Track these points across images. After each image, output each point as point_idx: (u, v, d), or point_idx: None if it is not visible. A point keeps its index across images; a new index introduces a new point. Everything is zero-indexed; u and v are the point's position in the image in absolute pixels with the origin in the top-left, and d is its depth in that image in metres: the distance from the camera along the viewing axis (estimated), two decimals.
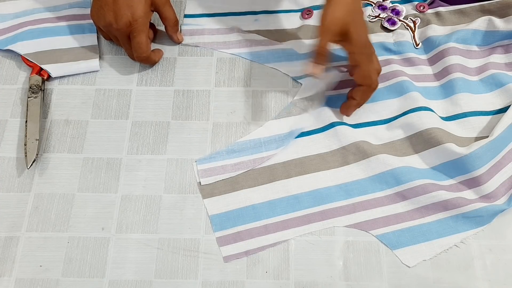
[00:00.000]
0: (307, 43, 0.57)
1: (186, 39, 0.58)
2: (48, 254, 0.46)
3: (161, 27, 0.58)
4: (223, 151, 0.51)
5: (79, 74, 0.56)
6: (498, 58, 0.56)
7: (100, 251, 0.46)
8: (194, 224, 0.48)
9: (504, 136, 0.49)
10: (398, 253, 0.46)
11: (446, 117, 0.53)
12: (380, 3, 0.60)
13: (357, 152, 0.50)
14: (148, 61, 0.55)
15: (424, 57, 0.57)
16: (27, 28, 0.57)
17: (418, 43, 0.57)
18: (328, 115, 0.53)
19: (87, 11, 0.56)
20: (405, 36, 0.57)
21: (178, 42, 0.58)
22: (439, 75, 0.55)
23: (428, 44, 0.57)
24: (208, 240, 0.47)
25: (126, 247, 0.47)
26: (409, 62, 0.56)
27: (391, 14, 0.59)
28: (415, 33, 0.58)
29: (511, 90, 0.53)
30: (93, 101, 0.54)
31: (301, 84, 0.55)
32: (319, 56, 0.47)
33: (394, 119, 0.52)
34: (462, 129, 0.52)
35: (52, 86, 0.55)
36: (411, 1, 0.60)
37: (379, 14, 0.60)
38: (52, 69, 0.55)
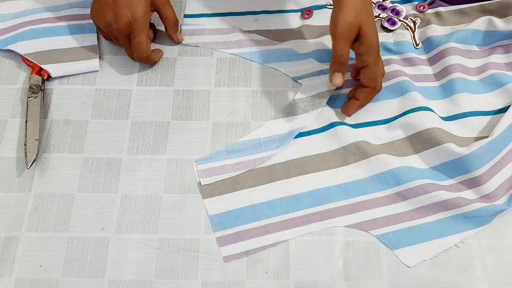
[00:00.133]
0: (307, 43, 0.57)
1: (186, 39, 0.58)
2: (48, 254, 0.46)
3: (161, 27, 0.58)
4: (223, 151, 0.51)
5: (79, 74, 0.56)
6: (498, 58, 0.56)
7: (100, 251, 0.46)
8: (194, 224, 0.48)
9: (504, 136, 0.49)
10: (398, 253, 0.46)
11: (446, 117, 0.53)
12: (380, 3, 0.60)
13: (357, 152, 0.50)
14: (148, 61, 0.55)
15: (424, 57, 0.57)
16: (27, 28, 0.57)
17: (418, 43, 0.57)
18: (328, 115, 0.53)
19: (87, 11, 0.56)
20: (405, 36, 0.57)
21: (178, 42, 0.58)
22: (439, 75, 0.55)
23: (428, 44, 0.57)
24: (208, 240, 0.47)
25: (126, 247, 0.47)
26: (409, 62, 0.56)
27: (391, 14, 0.59)
28: (415, 33, 0.58)
29: (511, 90, 0.53)
30: (93, 101, 0.54)
31: (301, 84, 0.55)
32: (339, 65, 0.47)
33: (394, 119, 0.52)
34: (462, 129, 0.52)
35: (52, 86, 0.55)
36: (411, 1, 0.60)
37: (379, 14, 0.60)
38: (52, 69, 0.55)
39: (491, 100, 0.54)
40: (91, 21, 0.54)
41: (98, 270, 0.46)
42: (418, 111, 0.51)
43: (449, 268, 0.45)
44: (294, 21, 0.60)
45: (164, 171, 0.50)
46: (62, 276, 0.45)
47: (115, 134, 0.52)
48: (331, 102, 0.54)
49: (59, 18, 0.58)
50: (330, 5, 0.60)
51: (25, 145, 0.50)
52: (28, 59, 0.55)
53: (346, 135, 0.51)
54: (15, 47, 0.56)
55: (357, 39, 0.46)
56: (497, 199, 0.48)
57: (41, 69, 0.55)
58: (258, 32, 0.59)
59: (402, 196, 0.48)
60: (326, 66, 0.55)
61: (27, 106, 0.52)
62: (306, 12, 0.59)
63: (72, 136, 0.52)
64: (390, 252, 0.46)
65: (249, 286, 0.45)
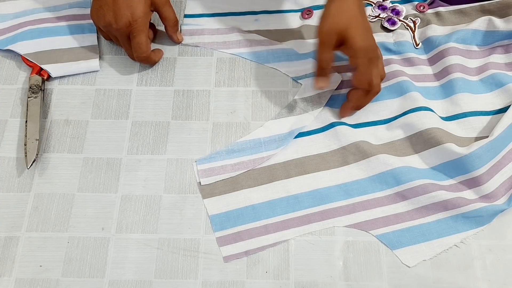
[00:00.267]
0: (307, 43, 0.57)
1: (186, 39, 0.58)
2: (48, 254, 0.46)
3: (161, 27, 0.58)
4: (222, 151, 0.51)
5: (79, 74, 0.56)
6: (498, 58, 0.56)
7: (100, 251, 0.46)
8: (194, 224, 0.48)
9: (504, 136, 0.49)
10: (398, 253, 0.46)
11: (446, 117, 0.53)
12: (380, 3, 0.60)
13: (357, 152, 0.50)
14: (148, 61, 0.55)
15: (424, 57, 0.57)
16: (27, 28, 0.57)
17: (418, 43, 0.57)
18: (328, 115, 0.53)
19: (87, 11, 0.56)
20: (405, 36, 0.57)
21: (178, 42, 0.58)
22: (439, 75, 0.55)
23: (428, 44, 0.57)
24: (208, 240, 0.47)
25: (126, 247, 0.47)
26: (409, 62, 0.56)
27: (391, 14, 0.59)
28: (415, 33, 0.58)
29: (511, 90, 0.53)
30: (93, 101, 0.54)
31: (301, 84, 0.55)
32: (321, 69, 0.49)
33: (394, 119, 0.52)
34: (462, 129, 0.52)
35: (52, 86, 0.55)
36: (411, 1, 0.60)
37: (379, 14, 0.60)
38: (52, 69, 0.55)
39: (491, 100, 0.54)
40: (91, 21, 0.54)
41: (98, 270, 0.46)
42: (418, 111, 0.51)
43: (449, 268, 0.45)
44: (294, 21, 0.60)
45: (164, 171, 0.50)
46: (62, 276, 0.45)
47: (115, 134, 0.52)
48: (331, 102, 0.54)
49: (59, 18, 0.58)
50: None
51: (25, 145, 0.50)
52: (28, 59, 0.55)
53: (346, 135, 0.51)
54: (15, 47, 0.56)
55: (344, 43, 0.47)
56: (497, 199, 0.48)
57: (41, 69, 0.55)
58: (258, 32, 0.59)
59: (402, 196, 0.48)
60: None
61: (27, 106, 0.52)
62: (306, 12, 0.59)
63: (72, 136, 0.52)
64: (390, 252, 0.46)
65: (249, 286, 0.45)
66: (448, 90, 0.54)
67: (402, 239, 0.46)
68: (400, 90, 0.53)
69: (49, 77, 0.55)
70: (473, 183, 0.48)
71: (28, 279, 0.45)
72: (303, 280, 0.45)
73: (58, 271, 0.46)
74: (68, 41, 0.57)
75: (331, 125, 0.52)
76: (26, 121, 0.51)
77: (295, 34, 0.58)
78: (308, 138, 0.52)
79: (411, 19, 0.59)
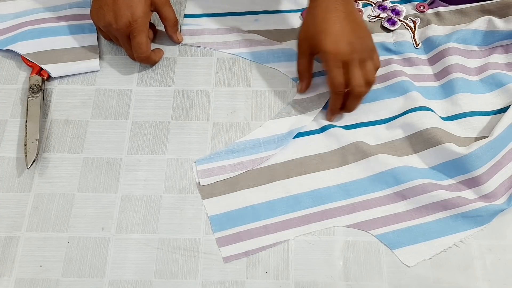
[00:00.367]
0: None
1: (186, 39, 0.58)
2: (48, 254, 0.46)
3: (161, 27, 0.58)
4: (222, 152, 0.51)
5: (79, 74, 0.56)
6: (498, 58, 0.56)
7: (100, 251, 0.46)
8: (194, 224, 0.48)
9: (504, 136, 0.49)
10: (398, 253, 0.46)
11: (446, 117, 0.53)
12: (380, 3, 0.60)
13: (356, 152, 0.50)
14: (148, 61, 0.55)
15: (424, 57, 0.57)
16: (27, 28, 0.57)
17: (418, 43, 0.57)
18: None
19: (87, 11, 0.55)
20: (405, 36, 0.57)
21: (178, 42, 0.58)
22: (439, 75, 0.55)
23: (428, 44, 0.57)
24: (208, 240, 0.47)
25: (126, 247, 0.47)
26: (409, 62, 0.56)
27: (391, 14, 0.59)
28: (415, 33, 0.58)
29: (511, 90, 0.53)
30: (93, 101, 0.54)
31: None
32: (299, 74, 0.54)
33: (394, 119, 0.52)
34: (462, 129, 0.52)
35: (52, 86, 0.55)
36: (411, 1, 0.60)
37: (379, 14, 0.60)
38: (52, 69, 0.55)
39: (491, 100, 0.54)
40: (91, 21, 0.54)
41: (98, 270, 0.46)
42: (418, 111, 0.51)
43: (449, 268, 0.45)
44: (294, 21, 0.60)
45: (164, 171, 0.50)
46: (62, 276, 0.45)
47: (115, 134, 0.52)
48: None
49: (59, 18, 0.58)
50: None
51: (25, 145, 0.50)
52: (28, 59, 0.55)
53: (345, 135, 0.51)
54: (15, 47, 0.56)
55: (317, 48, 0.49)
56: (497, 199, 0.48)
57: (41, 69, 0.55)
58: (258, 32, 0.59)
59: (402, 195, 0.48)
60: None
61: (27, 106, 0.52)
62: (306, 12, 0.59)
63: (72, 136, 0.52)
64: (390, 252, 0.46)
65: (249, 286, 0.45)
66: (448, 90, 0.54)
67: (401, 238, 0.46)
68: (400, 90, 0.53)
69: (49, 77, 0.55)
70: (472, 183, 0.48)
71: (28, 279, 0.45)
72: (303, 280, 0.45)
73: (58, 271, 0.46)
74: (68, 41, 0.57)
75: (331, 125, 0.52)
76: (26, 121, 0.51)
77: (295, 34, 0.58)
78: (308, 138, 0.52)
79: (411, 19, 0.59)
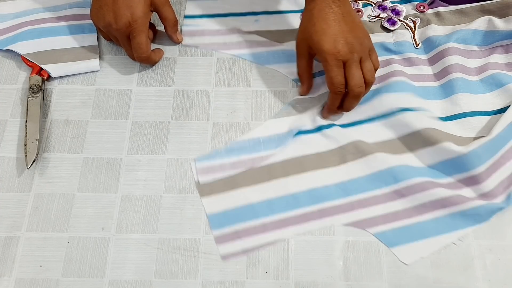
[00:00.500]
0: None
1: (186, 40, 0.58)
2: (48, 254, 0.46)
3: (161, 27, 0.58)
4: (221, 150, 0.51)
5: (79, 74, 0.56)
6: (498, 58, 0.56)
7: (100, 251, 0.46)
8: (194, 224, 0.48)
9: (503, 135, 0.49)
10: (396, 251, 0.46)
11: (446, 117, 0.53)
12: (380, 3, 0.60)
13: (355, 151, 0.50)
14: (148, 61, 0.55)
15: (424, 57, 0.57)
16: (27, 28, 0.57)
17: (418, 43, 0.57)
18: None
19: (87, 11, 0.56)
20: (405, 36, 0.58)
21: (177, 42, 0.58)
22: (439, 75, 0.55)
23: (428, 44, 0.57)
24: (208, 240, 0.47)
25: (126, 247, 0.47)
26: (409, 62, 0.56)
27: (391, 14, 0.59)
28: (415, 33, 0.58)
29: (511, 90, 0.53)
30: (93, 101, 0.54)
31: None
32: (299, 76, 0.54)
33: (393, 117, 0.52)
34: (462, 129, 0.52)
35: (52, 86, 0.55)
36: (411, 1, 0.60)
37: (379, 14, 0.60)
38: (52, 69, 0.55)
39: (491, 100, 0.54)
40: (91, 21, 0.54)
41: (98, 270, 0.46)
42: (417, 110, 0.51)
43: (449, 268, 0.45)
44: (294, 21, 0.60)
45: (164, 171, 0.50)
46: (62, 276, 0.45)
47: (115, 134, 0.52)
48: None
49: (59, 18, 0.58)
50: None
51: (25, 145, 0.50)
52: (28, 59, 0.55)
53: (344, 134, 0.51)
54: (15, 47, 0.56)
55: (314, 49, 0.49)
56: (496, 197, 0.48)
57: (41, 69, 0.55)
58: (258, 32, 0.59)
59: (400, 194, 0.48)
60: None
61: (27, 106, 0.52)
62: None
63: (72, 136, 0.52)
64: (390, 252, 0.46)
65: (249, 286, 0.45)
66: (448, 90, 0.54)
67: (400, 237, 0.46)
68: (400, 90, 0.53)
69: (49, 77, 0.55)
70: (471, 182, 0.48)
71: (28, 279, 0.45)
72: (303, 280, 0.45)
73: (58, 271, 0.46)
74: (68, 41, 0.57)
75: (330, 125, 0.52)
76: (26, 121, 0.51)
77: (295, 34, 0.58)
78: (307, 137, 0.52)
79: (411, 19, 0.59)
